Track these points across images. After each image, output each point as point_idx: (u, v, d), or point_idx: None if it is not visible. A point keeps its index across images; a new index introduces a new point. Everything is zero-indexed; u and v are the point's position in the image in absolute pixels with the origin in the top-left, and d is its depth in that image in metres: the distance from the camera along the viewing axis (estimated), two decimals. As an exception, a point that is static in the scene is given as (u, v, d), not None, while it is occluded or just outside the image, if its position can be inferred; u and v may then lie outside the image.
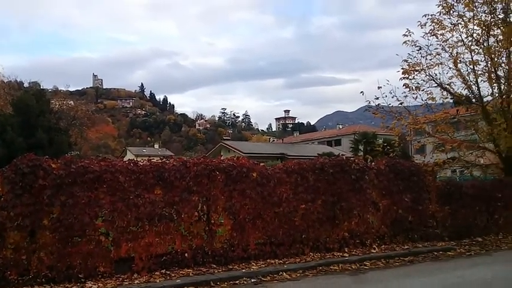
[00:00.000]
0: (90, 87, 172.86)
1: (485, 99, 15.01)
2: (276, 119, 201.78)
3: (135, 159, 8.93)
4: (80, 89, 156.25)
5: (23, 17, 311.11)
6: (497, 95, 14.80)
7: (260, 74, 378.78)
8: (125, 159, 9.80)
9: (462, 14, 14.62)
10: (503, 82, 14.67)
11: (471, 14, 14.51)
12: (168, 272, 7.93)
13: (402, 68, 14.92)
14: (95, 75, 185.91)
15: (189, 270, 8.12)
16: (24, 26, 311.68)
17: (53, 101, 39.41)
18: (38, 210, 7.40)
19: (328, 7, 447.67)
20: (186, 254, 8.37)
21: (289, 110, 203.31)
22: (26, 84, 48.48)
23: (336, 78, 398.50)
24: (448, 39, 14.75)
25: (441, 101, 15.63)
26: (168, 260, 8.20)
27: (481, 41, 14.49)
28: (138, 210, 8.02)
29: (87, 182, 7.76)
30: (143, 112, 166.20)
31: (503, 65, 14.62)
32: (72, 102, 49.18)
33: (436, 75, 14.87)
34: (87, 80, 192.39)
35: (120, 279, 7.58)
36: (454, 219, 12.26)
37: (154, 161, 8.89)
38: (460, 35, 14.67)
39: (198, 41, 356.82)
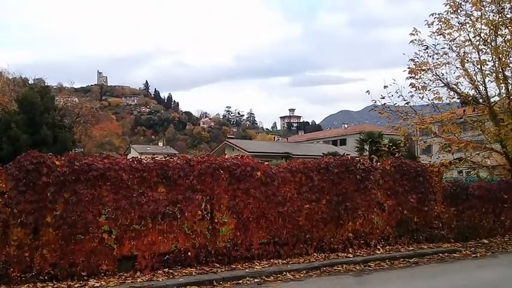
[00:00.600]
0: (95, 85, 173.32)
1: (492, 100, 14.88)
2: (280, 117, 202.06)
3: (139, 157, 8.89)
4: (85, 86, 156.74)
5: (28, 14, 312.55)
6: (504, 95, 14.66)
7: (265, 72, 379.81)
8: (129, 157, 9.77)
9: (470, 13, 14.50)
10: (510, 82, 14.54)
11: (479, 13, 14.39)
12: (171, 271, 7.89)
13: (409, 68, 14.80)
14: (99, 73, 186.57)
15: (192, 269, 8.08)
16: (28, 22, 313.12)
17: (57, 98, 39.35)
18: (41, 207, 7.36)
19: (335, 4, 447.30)
20: (189, 253, 8.32)
21: (294, 109, 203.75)
22: (30, 81, 48.38)
23: (341, 77, 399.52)
24: (455, 39, 14.63)
25: (448, 101, 15.52)
26: (171, 258, 8.16)
27: (488, 40, 14.35)
28: (141, 208, 7.98)
29: (91, 180, 7.72)
30: (147, 110, 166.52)
31: (511, 65, 14.49)
32: (76, 99, 49.12)
33: (443, 74, 14.76)
34: (91, 77, 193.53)
35: (123, 277, 7.54)
36: (460, 221, 12.17)
37: (158, 159, 8.85)
38: (468, 35, 14.54)
39: (203, 39, 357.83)
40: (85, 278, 7.36)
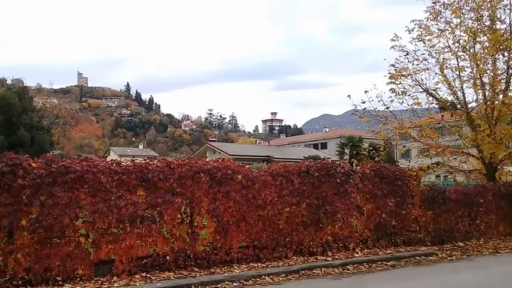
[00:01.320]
0: (75, 86, 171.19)
1: (470, 106, 15.18)
2: (262, 121, 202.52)
3: (119, 160, 8.77)
4: (64, 87, 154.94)
5: (6, 13, 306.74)
6: (481, 101, 14.96)
7: (248, 76, 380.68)
8: (108, 159, 9.64)
9: (449, 20, 14.78)
10: (488, 89, 14.84)
11: (458, 20, 14.69)
12: (149, 275, 7.79)
13: (389, 73, 15.00)
14: (79, 73, 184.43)
15: (170, 273, 7.99)
16: (6, 22, 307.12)
17: (35, 99, 38.82)
18: (16, 210, 7.18)
19: (318, 10, 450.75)
20: (167, 257, 8.24)
21: (276, 113, 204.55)
22: (8, 81, 47.72)
23: (323, 82, 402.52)
24: (435, 45, 14.90)
25: (427, 106, 15.75)
26: (149, 262, 8.06)
27: (467, 47, 14.63)
28: (119, 211, 7.86)
29: (68, 182, 7.57)
30: (128, 112, 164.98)
31: (488, 71, 14.80)
32: (55, 100, 48.45)
33: (422, 80, 15.00)
34: (71, 78, 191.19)
35: (99, 282, 7.41)
36: (437, 224, 12.35)
37: (138, 161, 8.75)
38: (447, 41, 14.82)
39: (186, 42, 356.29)
40: (60, 283, 7.20)
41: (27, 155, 7.79)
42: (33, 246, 7.26)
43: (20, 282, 7.01)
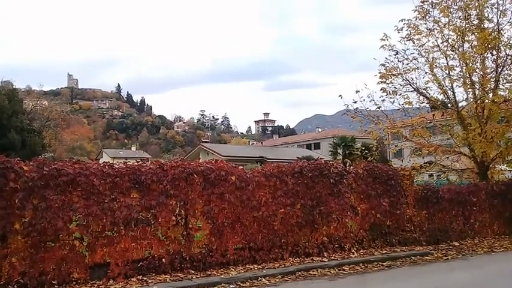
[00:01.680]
0: (65, 87, 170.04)
1: (460, 104, 15.25)
2: (255, 121, 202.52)
3: (111, 162, 8.72)
4: (55, 89, 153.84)
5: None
6: (472, 100, 15.03)
7: (241, 76, 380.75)
8: (101, 161, 9.58)
9: (438, 19, 14.86)
10: (477, 87, 14.91)
11: (446, 19, 14.76)
12: (145, 278, 7.76)
13: (380, 72, 15.04)
14: (70, 75, 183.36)
15: (166, 276, 7.97)
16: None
17: (26, 101, 38.55)
18: (9, 214, 7.12)
19: (310, 10, 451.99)
20: (163, 260, 8.20)
21: (268, 113, 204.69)
22: (-2, 84, 47.19)
23: (315, 82, 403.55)
24: (424, 44, 14.97)
25: (418, 106, 15.82)
26: (144, 265, 8.02)
27: (456, 46, 14.71)
28: (113, 214, 7.82)
29: (61, 185, 7.52)
30: (120, 113, 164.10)
31: (477, 70, 14.87)
32: (46, 102, 48.09)
33: (412, 79, 15.05)
34: (62, 80, 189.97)
35: (95, 285, 7.38)
36: (431, 224, 12.39)
37: (131, 163, 8.70)
38: (436, 40, 14.91)
39: (177, 42, 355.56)
40: (56, 286, 7.16)
41: (19, 158, 7.73)
42: (27, 250, 7.20)
43: (15, 286, 6.96)
